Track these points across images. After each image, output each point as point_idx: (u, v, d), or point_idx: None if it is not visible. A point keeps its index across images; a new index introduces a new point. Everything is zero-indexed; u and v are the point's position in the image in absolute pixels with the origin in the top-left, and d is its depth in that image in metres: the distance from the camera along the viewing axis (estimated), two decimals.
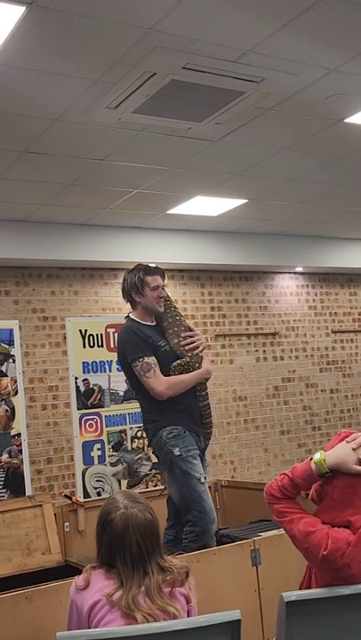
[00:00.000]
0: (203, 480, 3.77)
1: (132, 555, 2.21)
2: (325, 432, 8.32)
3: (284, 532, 2.38)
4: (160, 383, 3.79)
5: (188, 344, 3.94)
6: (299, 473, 2.35)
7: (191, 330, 4.03)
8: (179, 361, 3.90)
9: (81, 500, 4.83)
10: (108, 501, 2.39)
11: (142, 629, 2.01)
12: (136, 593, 2.15)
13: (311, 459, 2.36)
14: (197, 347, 3.97)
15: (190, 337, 3.97)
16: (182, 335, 3.96)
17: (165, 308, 4.01)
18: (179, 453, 3.76)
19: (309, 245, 7.91)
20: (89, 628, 2.14)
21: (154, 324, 4.00)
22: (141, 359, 3.81)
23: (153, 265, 4.07)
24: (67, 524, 4.75)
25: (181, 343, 3.94)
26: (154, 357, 3.84)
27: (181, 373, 3.87)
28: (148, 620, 2.08)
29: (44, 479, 6.49)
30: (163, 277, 4.02)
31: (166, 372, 3.85)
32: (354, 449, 2.31)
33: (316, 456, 2.33)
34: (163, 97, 3.96)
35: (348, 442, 2.36)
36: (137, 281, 3.92)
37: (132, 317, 4.00)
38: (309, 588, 2.29)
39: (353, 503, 2.28)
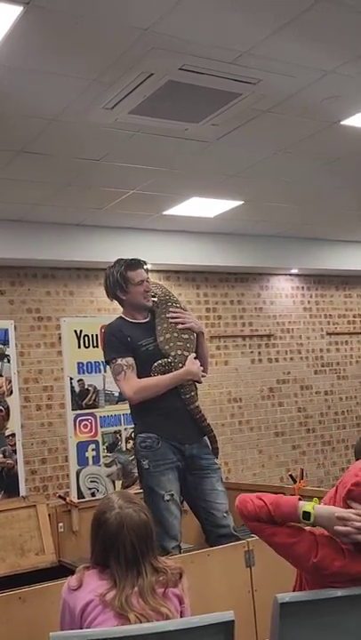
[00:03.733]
0: (167, 497, 3.52)
1: (126, 555, 2.21)
2: (320, 434, 8.33)
3: None
4: (129, 387, 3.59)
5: (174, 318, 3.71)
6: (280, 515, 2.19)
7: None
8: (160, 361, 3.64)
9: (75, 500, 4.82)
10: (103, 501, 2.39)
11: (135, 630, 2.01)
12: (130, 593, 2.15)
13: (300, 498, 2.22)
14: (184, 323, 3.71)
15: (177, 313, 3.72)
16: (170, 309, 3.74)
17: (159, 302, 3.78)
18: (147, 467, 3.58)
19: (305, 247, 7.92)
20: (81, 628, 2.13)
21: (145, 320, 3.78)
22: (114, 360, 3.63)
23: (134, 258, 3.81)
24: (61, 524, 4.73)
25: (168, 316, 3.70)
26: (131, 358, 3.62)
27: (163, 374, 3.62)
28: (140, 621, 2.08)
29: (38, 479, 6.48)
30: (146, 270, 3.79)
31: (149, 372, 3.64)
32: (338, 518, 2.13)
33: (306, 507, 2.17)
34: (159, 98, 3.96)
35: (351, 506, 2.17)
36: (119, 278, 3.69)
37: (121, 315, 3.82)
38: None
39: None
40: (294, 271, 8.25)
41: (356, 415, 8.71)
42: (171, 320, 3.73)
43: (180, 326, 3.73)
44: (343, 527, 2.12)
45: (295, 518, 2.19)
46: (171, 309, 3.76)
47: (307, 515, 2.16)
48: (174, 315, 3.75)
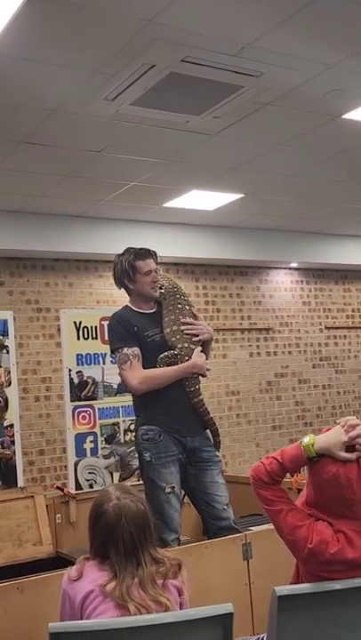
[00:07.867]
0: (168, 490, 3.52)
1: (125, 545, 2.23)
2: (317, 428, 8.34)
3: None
4: (134, 377, 3.57)
5: (187, 329, 3.70)
6: (288, 457, 2.33)
7: (195, 317, 3.78)
8: (166, 353, 3.63)
9: (73, 491, 4.83)
10: (100, 493, 2.41)
11: (134, 621, 2.02)
12: (130, 584, 2.17)
13: (301, 442, 2.33)
14: (196, 334, 3.70)
15: (191, 324, 3.71)
16: (182, 321, 3.71)
17: (167, 294, 3.76)
18: (148, 459, 3.57)
19: (305, 241, 7.91)
20: (81, 618, 2.15)
21: (151, 311, 3.76)
22: (120, 350, 3.61)
23: (143, 248, 3.80)
24: (58, 515, 4.74)
25: (181, 328, 3.69)
26: (137, 348, 3.60)
27: (169, 366, 3.61)
28: (140, 611, 2.10)
29: (35, 470, 6.49)
30: (155, 260, 3.77)
31: (155, 363, 3.63)
32: (345, 430, 2.26)
33: (306, 439, 2.30)
34: (161, 90, 3.95)
35: (341, 425, 2.31)
36: (127, 267, 3.69)
37: (127, 304, 3.80)
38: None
39: (336, 497, 2.24)
40: (294, 265, 8.25)
41: (353, 409, 8.72)
42: (185, 332, 3.70)
43: (195, 339, 3.71)
44: (354, 431, 2.24)
45: (300, 453, 2.29)
46: (183, 321, 3.74)
47: (306, 437, 2.29)
48: (187, 327, 3.72)
